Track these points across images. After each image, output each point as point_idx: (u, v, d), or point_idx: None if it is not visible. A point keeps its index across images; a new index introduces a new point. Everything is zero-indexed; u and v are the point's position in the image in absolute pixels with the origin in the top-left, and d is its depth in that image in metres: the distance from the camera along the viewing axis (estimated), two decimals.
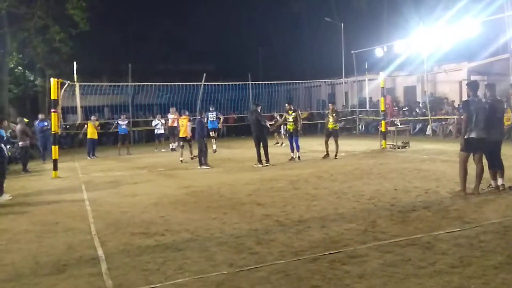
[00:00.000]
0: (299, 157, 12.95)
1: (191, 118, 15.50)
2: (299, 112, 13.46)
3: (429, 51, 19.93)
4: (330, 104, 13.89)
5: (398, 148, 15.10)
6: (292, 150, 13.06)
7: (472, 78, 21.33)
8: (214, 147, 16.84)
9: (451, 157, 9.86)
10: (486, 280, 3.83)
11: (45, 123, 15.99)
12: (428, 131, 20.42)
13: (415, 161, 11.68)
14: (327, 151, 13.20)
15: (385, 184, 8.57)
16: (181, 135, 14.90)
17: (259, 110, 12.62)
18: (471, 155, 7.38)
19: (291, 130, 13.28)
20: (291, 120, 13.11)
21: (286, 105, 13.59)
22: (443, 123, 19.84)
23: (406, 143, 15.43)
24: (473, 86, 7.50)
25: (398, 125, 17.28)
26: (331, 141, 13.20)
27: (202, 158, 12.58)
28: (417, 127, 21.22)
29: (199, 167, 12.47)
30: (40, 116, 16.75)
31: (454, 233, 5.21)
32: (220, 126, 18.31)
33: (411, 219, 5.97)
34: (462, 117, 7.30)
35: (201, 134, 12.73)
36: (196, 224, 6.18)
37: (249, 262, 4.55)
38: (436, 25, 19.03)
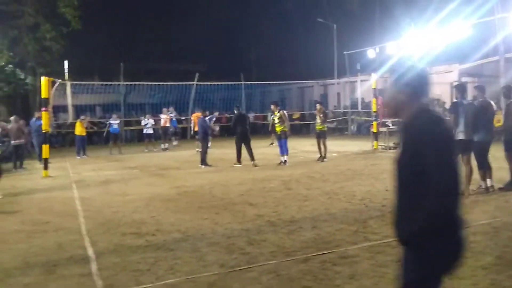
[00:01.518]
0: (285, 161, 12.13)
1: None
2: (284, 112, 12.52)
3: (421, 52, 20.05)
4: (317, 105, 13.34)
5: (390, 149, 15.18)
6: (282, 154, 12.30)
7: (463, 80, 21.52)
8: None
9: None
10: (476, 281, 3.87)
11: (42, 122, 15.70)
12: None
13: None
14: (321, 153, 12.78)
15: (377, 184, 8.61)
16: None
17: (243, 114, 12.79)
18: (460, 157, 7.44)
19: (278, 132, 12.48)
20: (277, 121, 12.39)
21: (272, 105, 12.77)
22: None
23: (398, 144, 15.45)
24: (460, 88, 7.61)
25: (389, 126, 17.37)
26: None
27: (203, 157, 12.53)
28: None
29: (200, 166, 12.39)
30: (37, 114, 16.38)
31: None
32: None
33: None
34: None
35: (204, 133, 12.67)
36: (188, 224, 6.17)
37: (240, 263, 4.55)
38: (427, 27, 19.16)
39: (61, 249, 5.27)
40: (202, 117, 13.16)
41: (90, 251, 5.10)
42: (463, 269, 4.11)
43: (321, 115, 12.89)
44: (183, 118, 23.05)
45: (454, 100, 7.71)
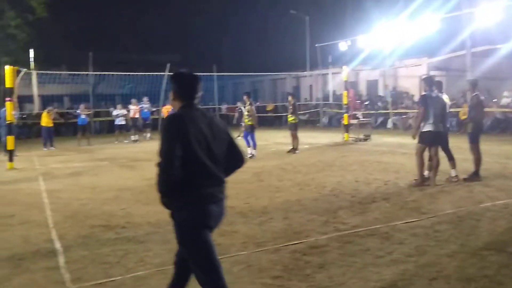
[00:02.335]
0: (252, 154, 11.94)
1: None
2: (252, 107, 12.30)
3: (391, 46, 20.36)
4: (289, 96, 13.19)
5: (360, 140, 15.42)
6: (249, 146, 12.08)
7: (432, 73, 22.03)
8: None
9: (411, 149, 10.15)
10: (440, 268, 3.99)
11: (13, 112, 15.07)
12: (389, 124, 20.96)
13: (376, 154, 11.96)
14: (293, 145, 12.73)
15: (347, 176, 8.74)
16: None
17: None
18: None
19: (246, 125, 12.28)
20: (246, 113, 12.22)
21: (244, 96, 12.48)
22: (403, 116, 20.39)
23: (368, 136, 15.77)
24: (428, 81, 7.80)
25: (360, 119, 17.64)
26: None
27: None
28: (379, 121, 21.74)
29: None
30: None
31: (411, 224, 5.39)
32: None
33: (371, 210, 6.13)
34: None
35: None
36: (158, 216, 6.09)
37: None
38: (398, 20, 19.45)
39: (27, 243, 5.14)
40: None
41: (58, 244, 4.99)
42: (428, 257, 4.25)
43: (291, 107, 12.74)
44: (154, 109, 22.73)
45: (423, 93, 7.88)
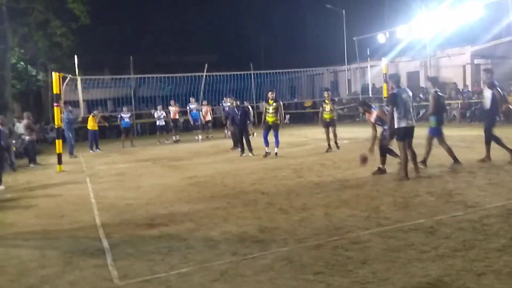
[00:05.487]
0: (276, 153, 11.60)
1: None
2: (281, 104, 11.92)
3: (432, 35, 19.77)
4: (325, 92, 12.69)
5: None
6: (267, 145, 11.69)
7: (476, 61, 21.22)
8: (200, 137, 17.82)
9: (455, 142, 9.84)
10: (489, 263, 3.84)
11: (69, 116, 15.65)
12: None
13: (418, 147, 11.58)
14: (329, 144, 12.12)
15: (388, 170, 8.55)
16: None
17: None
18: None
19: (269, 123, 11.70)
20: (271, 111, 11.62)
21: (269, 93, 11.87)
22: (447, 108, 19.70)
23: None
24: (394, 78, 8.09)
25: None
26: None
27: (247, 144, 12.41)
28: (421, 113, 21.10)
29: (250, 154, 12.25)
30: (67, 108, 16.07)
31: (457, 217, 5.22)
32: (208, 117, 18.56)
33: (414, 204, 5.97)
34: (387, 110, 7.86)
35: (244, 121, 12.57)
36: (200, 214, 6.22)
37: (252, 250, 4.58)
38: (438, 8, 18.84)
39: (76, 242, 5.36)
40: (235, 106, 12.74)
41: (105, 243, 5.17)
42: (476, 251, 4.11)
43: (331, 103, 12.31)
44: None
45: (391, 91, 7.94)
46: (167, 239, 5.20)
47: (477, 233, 4.64)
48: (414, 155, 7.80)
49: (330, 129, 12.24)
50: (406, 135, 7.61)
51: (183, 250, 4.74)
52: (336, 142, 12.30)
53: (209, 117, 18.82)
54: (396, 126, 7.58)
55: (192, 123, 19.21)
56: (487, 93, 8.55)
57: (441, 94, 8.72)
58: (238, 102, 13.08)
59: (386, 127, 8.02)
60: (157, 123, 19.12)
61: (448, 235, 4.62)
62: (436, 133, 8.44)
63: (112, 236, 5.45)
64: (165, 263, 4.42)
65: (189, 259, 4.48)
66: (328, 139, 12.19)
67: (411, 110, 7.62)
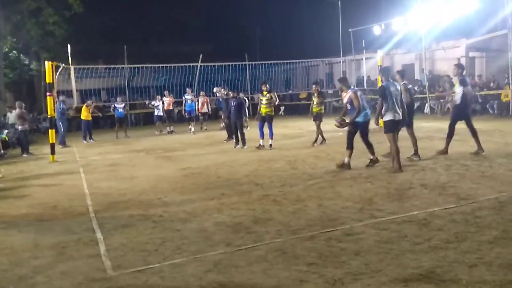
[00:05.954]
0: (270, 144, 11.58)
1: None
2: (275, 94, 11.78)
3: (427, 28, 19.75)
4: (313, 85, 12.32)
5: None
6: (262, 137, 11.67)
7: (471, 54, 21.24)
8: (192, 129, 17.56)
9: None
10: (481, 255, 3.88)
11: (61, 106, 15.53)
12: (426, 109, 20.37)
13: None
14: (322, 136, 11.86)
15: (382, 162, 8.58)
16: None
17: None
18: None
19: (263, 114, 11.72)
20: (264, 102, 11.64)
21: (262, 85, 11.95)
22: (441, 100, 19.78)
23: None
24: (384, 71, 8.57)
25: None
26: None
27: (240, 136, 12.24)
28: (415, 105, 21.14)
29: (243, 147, 12.05)
30: (61, 97, 15.96)
31: (450, 210, 5.25)
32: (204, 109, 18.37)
33: (408, 196, 6.01)
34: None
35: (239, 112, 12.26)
36: (194, 205, 6.21)
37: (246, 241, 4.59)
38: (434, 1, 18.80)
39: (69, 231, 5.34)
40: (232, 97, 12.57)
41: (98, 233, 5.16)
42: (468, 243, 4.14)
43: (318, 96, 11.90)
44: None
45: (381, 84, 8.10)
46: (160, 229, 5.19)
47: (469, 225, 4.68)
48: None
49: (316, 123, 11.83)
50: (393, 127, 7.79)
51: (177, 241, 4.74)
52: (317, 138, 11.80)
53: (205, 109, 18.48)
54: (384, 119, 7.83)
55: (186, 115, 18.90)
56: (458, 89, 8.79)
57: (409, 87, 9.05)
58: (234, 93, 12.86)
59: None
60: (155, 113, 18.98)
61: (440, 227, 4.65)
62: (408, 123, 8.67)
63: (106, 226, 5.43)
64: (159, 253, 4.42)
65: (182, 249, 4.48)
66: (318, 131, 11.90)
67: (398, 103, 7.75)
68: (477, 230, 4.51)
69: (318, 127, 11.76)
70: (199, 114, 18.47)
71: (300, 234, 4.71)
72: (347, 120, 8.18)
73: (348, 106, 8.26)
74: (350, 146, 8.14)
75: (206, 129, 18.29)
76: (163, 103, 18.61)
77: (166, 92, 18.93)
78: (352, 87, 8.63)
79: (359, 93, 8.23)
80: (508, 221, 4.72)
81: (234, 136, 12.63)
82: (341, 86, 8.77)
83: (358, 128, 8.17)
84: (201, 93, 18.76)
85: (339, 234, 4.65)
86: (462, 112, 8.79)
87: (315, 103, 11.95)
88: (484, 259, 3.79)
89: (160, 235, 4.97)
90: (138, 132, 19.39)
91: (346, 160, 8.17)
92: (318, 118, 11.84)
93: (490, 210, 5.14)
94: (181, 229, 5.14)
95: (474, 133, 8.76)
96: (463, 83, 8.69)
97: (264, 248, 4.36)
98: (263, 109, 11.75)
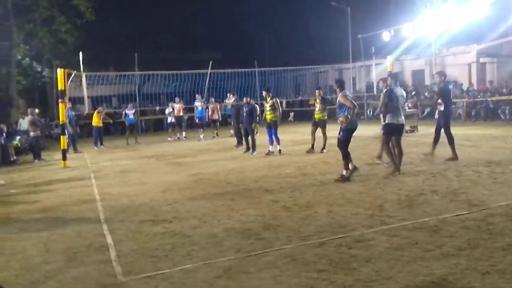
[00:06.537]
0: (280, 150, 11.57)
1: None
2: (277, 100, 11.79)
3: (437, 33, 19.66)
4: (317, 90, 12.12)
5: (406, 132, 14.94)
6: (271, 143, 11.68)
7: (481, 60, 21.10)
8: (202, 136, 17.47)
9: (459, 140, 9.77)
10: (494, 262, 3.83)
11: (73, 113, 15.75)
12: (437, 115, 20.20)
13: (423, 145, 11.60)
14: (313, 144, 11.54)
15: (381, 166, 8.54)
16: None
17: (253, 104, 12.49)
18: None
19: (268, 121, 11.71)
20: (268, 108, 11.63)
21: (264, 92, 12.08)
22: (452, 106, 19.61)
23: (414, 127, 15.33)
24: (393, 76, 8.94)
25: (406, 109, 17.10)
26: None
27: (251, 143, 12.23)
28: (426, 111, 21.03)
29: (253, 153, 12.05)
30: (69, 104, 16.11)
31: (462, 216, 5.20)
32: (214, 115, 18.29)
33: (419, 202, 5.96)
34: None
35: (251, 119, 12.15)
36: (204, 211, 6.22)
37: (256, 247, 4.58)
38: (444, 6, 18.73)
39: (80, 237, 5.37)
40: (245, 103, 12.50)
41: (109, 239, 5.19)
42: (480, 250, 4.09)
43: (321, 102, 11.64)
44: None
45: (389, 87, 8.21)
46: (170, 235, 5.21)
47: (481, 232, 4.62)
48: (401, 153, 8.10)
49: (320, 129, 11.58)
50: (393, 131, 7.96)
51: (187, 247, 4.74)
52: (324, 144, 11.43)
53: (215, 116, 18.40)
54: (386, 122, 8.03)
55: (197, 121, 18.88)
56: (440, 99, 9.03)
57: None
58: (249, 99, 12.68)
59: (342, 128, 7.78)
60: (169, 119, 19.06)
61: (452, 234, 4.60)
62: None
63: (116, 232, 5.46)
64: (169, 259, 4.43)
65: (192, 255, 4.48)
66: (313, 138, 11.62)
67: (401, 108, 7.94)
68: (489, 237, 4.46)
69: (324, 133, 11.56)
70: (210, 121, 18.50)
71: (310, 241, 4.69)
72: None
73: (338, 110, 7.90)
74: (346, 156, 7.83)
75: (215, 136, 18.23)
76: (173, 109, 18.72)
77: (176, 99, 19.04)
78: (344, 91, 8.00)
79: (348, 96, 7.85)
80: None
81: (244, 142, 12.64)
82: (335, 88, 8.35)
83: (351, 135, 7.86)
84: (211, 99, 18.76)
85: (350, 240, 4.62)
86: (448, 118, 9.20)
87: (317, 109, 11.75)
88: (497, 266, 3.74)
89: (170, 241, 4.98)
90: (148, 138, 19.52)
91: (344, 172, 7.73)
92: (320, 124, 11.61)
93: (502, 217, 5.07)
94: (191, 235, 5.15)
95: (436, 140, 9.13)
96: (441, 92, 8.98)
97: (274, 255, 4.35)
98: (268, 115, 11.75)
